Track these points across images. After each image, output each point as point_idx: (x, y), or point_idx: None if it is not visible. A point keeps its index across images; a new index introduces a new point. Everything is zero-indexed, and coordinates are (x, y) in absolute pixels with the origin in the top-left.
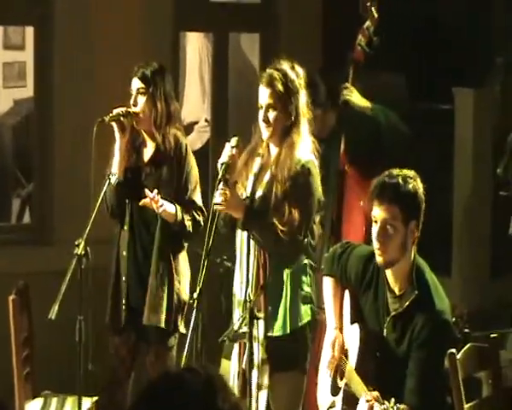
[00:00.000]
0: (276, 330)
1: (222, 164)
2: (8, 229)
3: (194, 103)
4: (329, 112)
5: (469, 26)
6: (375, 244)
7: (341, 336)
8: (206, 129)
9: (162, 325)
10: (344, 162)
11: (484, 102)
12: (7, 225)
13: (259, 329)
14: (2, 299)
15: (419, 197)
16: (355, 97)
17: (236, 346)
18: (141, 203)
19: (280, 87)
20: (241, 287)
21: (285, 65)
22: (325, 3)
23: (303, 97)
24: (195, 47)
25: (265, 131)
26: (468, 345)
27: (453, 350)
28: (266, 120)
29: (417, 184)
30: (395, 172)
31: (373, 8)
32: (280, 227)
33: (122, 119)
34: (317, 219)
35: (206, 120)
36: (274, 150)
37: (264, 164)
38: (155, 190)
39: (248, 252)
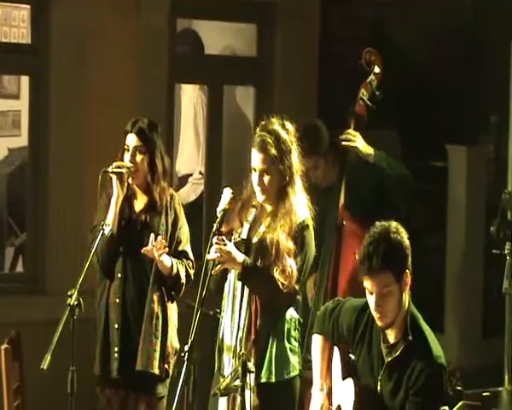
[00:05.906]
0: (263, 378)
1: (221, 210)
2: (1, 278)
3: (189, 155)
4: (331, 161)
5: (464, 83)
6: (374, 313)
7: (327, 400)
8: (201, 181)
9: (156, 371)
10: (342, 217)
11: (477, 161)
12: (0, 274)
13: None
14: None
15: (405, 247)
16: (360, 144)
17: (224, 401)
18: (143, 251)
19: (273, 151)
20: (232, 331)
21: (276, 124)
22: (322, 58)
23: (295, 154)
24: (190, 99)
25: (260, 195)
26: (461, 403)
27: (445, 407)
28: (261, 185)
29: (401, 234)
30: (377, 232)
31: (376, 63)
32: (281, 280)
33: (124, 172)
34: (312, 277)
35: (200, 173)
36: (269, 206)
37: (259, 216)
38: (159, 237)
39: (242, 297)
